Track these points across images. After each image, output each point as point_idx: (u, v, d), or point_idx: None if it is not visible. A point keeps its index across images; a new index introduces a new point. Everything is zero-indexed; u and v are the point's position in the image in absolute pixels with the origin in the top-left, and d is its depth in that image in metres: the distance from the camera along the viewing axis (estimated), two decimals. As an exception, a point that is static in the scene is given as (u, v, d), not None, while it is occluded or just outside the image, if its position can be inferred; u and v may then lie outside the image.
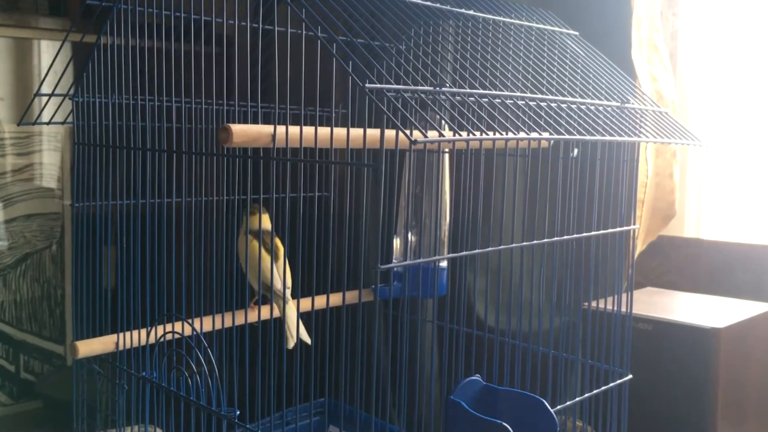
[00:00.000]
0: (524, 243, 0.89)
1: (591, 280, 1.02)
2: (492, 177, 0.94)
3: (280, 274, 1.03)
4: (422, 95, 0.72)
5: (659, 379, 1.33)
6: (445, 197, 1.18)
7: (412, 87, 0.71)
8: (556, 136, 0.81)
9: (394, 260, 1.26)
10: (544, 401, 0.80)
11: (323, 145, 0.78)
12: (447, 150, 1.15)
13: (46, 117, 1.14)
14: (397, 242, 1.26)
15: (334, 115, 0.77)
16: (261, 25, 0.84)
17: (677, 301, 1.53)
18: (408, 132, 0.65)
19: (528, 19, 1.09)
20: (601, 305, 1.06)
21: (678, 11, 2.01)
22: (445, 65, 1.02)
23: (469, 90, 0.78)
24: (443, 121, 0.72)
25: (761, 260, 1.73)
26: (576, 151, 1.02)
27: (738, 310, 1.40)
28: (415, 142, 0.64)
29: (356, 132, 0.77)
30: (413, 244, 1.23)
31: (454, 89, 0.75)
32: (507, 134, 0.76)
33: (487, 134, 0.72)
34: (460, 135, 0.71)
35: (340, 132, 0.77)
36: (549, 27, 1.10)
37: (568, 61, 1.03)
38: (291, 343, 1.04)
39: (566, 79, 0.98)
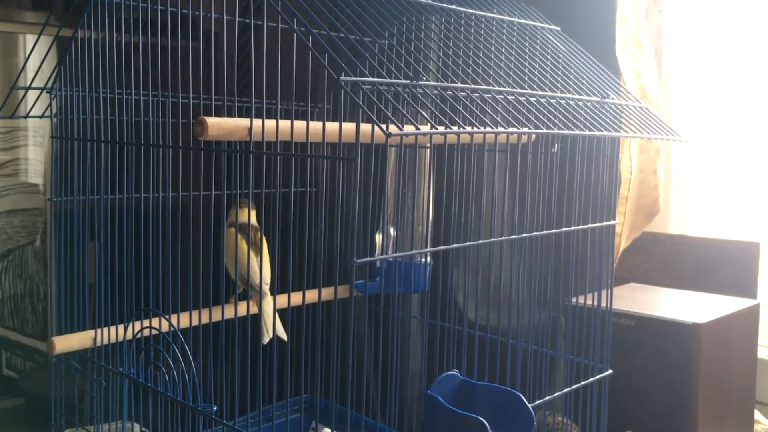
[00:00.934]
0: (503, 237, 0.88)
1: (571, 276, 1.02)
2: (472, 172, 0.94)
3: (266, 271, 1.03)
4: (398, 88, 0.72)
5: (641, 374, 1.33)
6: (424, 193, 1.18)
7: (388, 80, 0.71)
8: (535, 131, 0.81)
9: (374, 256, 1.26)
10: (521, 396, 0.80)
11: (300, 139, 0.77)
12: (428, 145, 1.15)
13: (26, 111, 1.13)
14: (378, 238, 1.26)
15: (310, 108, 0.76)
16: (237, 18, 0.83)
17: (660, 296, 1.54)
18: (384, 126, 0.65)
19: (510, 14, 1.09)
20: (583, 301, 1.06)
21: (663, 8, 2.02)
22: (427, 61, 1.02)
23: (446, 84, 0.78)
24: (419, 115, 0.72)
25: (745, 256, 1.74)
26: (556, 146, 1.02)
27: (720, 306, 1.41)
28: (390, 135, 0.64)
29: (334, 126, 0.77)
30: (393, 239, 1.22)
31: (432, 83, 0.75)
32: (485, 129, 0.75)
33: (464, 128, 0.72)
34: (437, 129, 0.71)
35: (317, 126, 0.77)
36: (531, 22, 1.10)
37: (549, 57, 1.03)
38: (266, 339, 1.03)
39: (547, 75, 0.98)
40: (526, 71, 0.95)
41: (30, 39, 1.60)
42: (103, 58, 0.98)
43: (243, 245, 1.07)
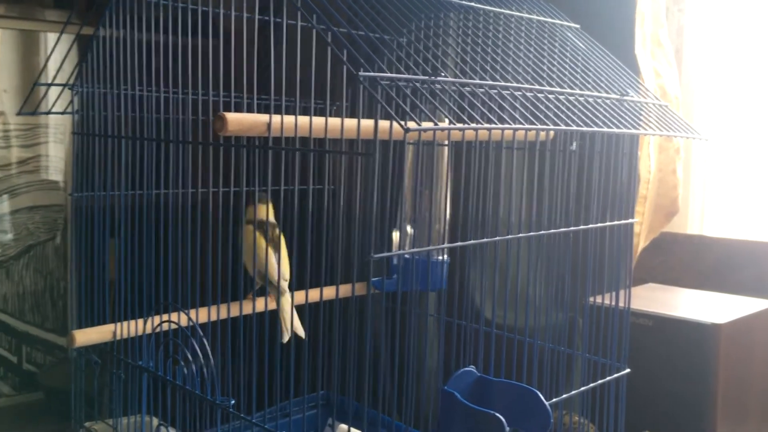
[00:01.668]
0: (521, 234, 0.88)
1: (589, 275, 1.02)
2: (490, 170, 0.94)
3: (283, 271, 1.04)
4: (417, 84, 0.72)
5: (660, 374, 1.32)
6: (442, 191, 1.18)
7: (407, 76, 0.71)
8: (553, 128, 0.81)
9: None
10: (538, 393, 0.80)
11: (318, 135, 0.78)
12: (445, 143, 1.15)
13: (47, 107, 1.14)
14: (395, 236, 1.26)
15: (329, 105, 0.77)
16: (257, 16, 0.84)
17: (679, 297, 1.53)
18: (402, 121, 0.65)
19: (529, 12, 1.09)
20: (600, 300, 1.06)
21: (684, 7, 2.00)
22: (445, 58, 1.02)
23: (465, 80, 0.78)
24: (437, 111, 0.72)
25: (765, 257, 1.73)
26: (575, 144, 1.02)
27: (740, 306, 1.40)
28: (408, 130, 0.64)
29: (353, 122, 0.77)
30: (410, 237, 1.22)
31: (450, 79, 0.75)
32: (504, 125, 0.75)
33: (482, 124, 0.72)
34: (455, 125, 0.71)
35: (336, 122, 0.77)
36: (550, 20, 1.10)
37: (568, 54, 1.03)
38: (285, 337, 1.03)
39: (566, 72, 0.98)
40: (545, 68, 0.95)
41: (51, 38, 1.62)
42: (124, 56, 0.99)
43: (261, 242, 1.07)
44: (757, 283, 1.70)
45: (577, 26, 1.12)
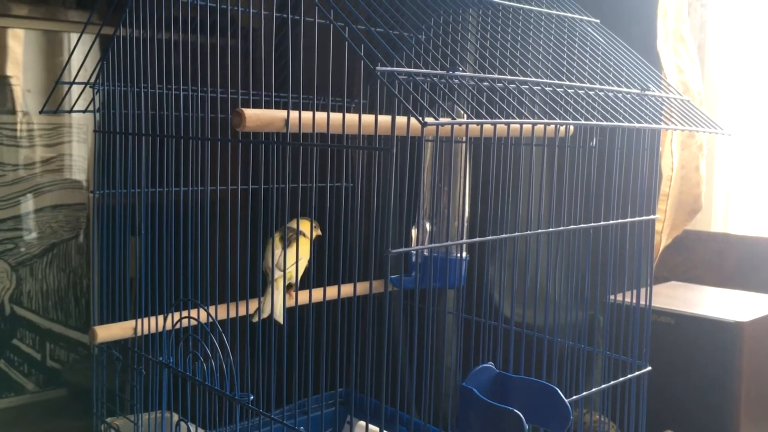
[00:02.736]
0: (540, 230, 0.88)
1: (609, 272, 1.01)
2: (509, 166, 0.93)
3: (288, 258, 1.04)
4: (435, 79, 0.72)
5: (682, 373, 1.31)
6: (460, 187, 1.18)
7: (425, 71, 0.71)
8: (572, 122, 0.80)
9: (412, 252, 1.26)
10: (558, 390, 0.79)
11: (336, 130, 0.78)
12: (464, 139, 1.15)
13: (69, 106, 1.15)
14: (414, 233, 1.26)
15: (346, 103, 0.77)
16: (275, 14, 0.84)
17: (701, 295, 1.51)
18: (420, 116, 0.65)
19: (548, 7, 1.08)
20: (621, 297, 1.05)
21: (706, 2, 1.98)
22: (464, 53, 1.02)
23: (483, 75, 0.77)
24: (455, 106, 0.72)
25: (790, 255, 1.70)
26: (595, 140, 1.01)
27: (763, 305, 1.38)
28: (426, 124, 0.64)
29: (371, 118, 0.77)
30: (429, 234, 1.22)
31: (468, 73, 0.74)
32: (522, 119, 0.75)
33: (500, 119, 0.72)
34: (472, 119, 0.71)
35: (353, 117, 0.77)
36: (569, 14, 1.09)
37: (588, 49, 1.02)
38: (255, 318, 1.03)
39: (586, 66, 0.97)
40: (565, 63, 0.94)
41: (74, 38, 1.64)
42: (144, 54, 1.00)
43: (277, 242, 1.08)
44: (782, 281, 1.68)
45: (597, 21, 1.11)
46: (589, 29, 1.08)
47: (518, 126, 1.01)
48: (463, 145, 1.16)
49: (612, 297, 1.04)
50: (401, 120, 0.70)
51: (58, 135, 1.67)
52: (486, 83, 0.77)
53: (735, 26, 1.97)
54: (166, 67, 0.98)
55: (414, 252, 1.26)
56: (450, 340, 1.30)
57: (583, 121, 0.80)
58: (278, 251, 1.06)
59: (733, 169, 1.99)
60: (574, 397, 0.91)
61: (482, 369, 0.82)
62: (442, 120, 0.65)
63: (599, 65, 0.99)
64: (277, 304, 1.04)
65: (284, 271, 1.06)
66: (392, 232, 0.70)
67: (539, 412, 0.80)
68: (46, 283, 1.67)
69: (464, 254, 1.22)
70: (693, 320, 1.30)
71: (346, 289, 1.15)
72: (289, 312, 1.07)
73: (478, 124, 0.69)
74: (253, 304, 0.97)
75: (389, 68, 0.68)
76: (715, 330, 1.27)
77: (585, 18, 1.11)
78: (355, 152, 1.12)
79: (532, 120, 0.74)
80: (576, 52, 0.99)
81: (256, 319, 1.01)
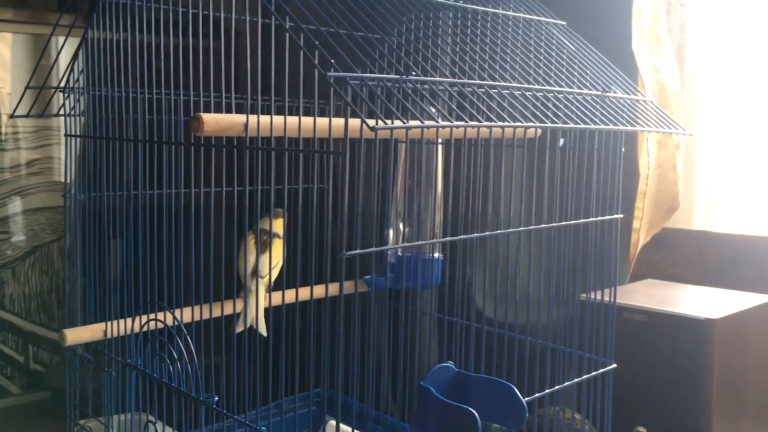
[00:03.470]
0: (499, 231, 0.89)
1: (578, 271, 1.02)
2: (479, 167, 0.94)
3: (263, 265, 1.05)
4: (387, 84, 0.73)
5: (654, 370, 1.32)
6: (434, 188, 1.19)
7: (377, 75, 0.72)
8: (527, 124, 0.81)
9: (388, 252, 1.27)
10: (514, 387, 0.80)
11: (293, 134, 0.79)
12: (441, 141, 1.16)
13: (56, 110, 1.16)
14: (391, 234, 1.27)
15: (302, 105, 0.78)
16: (233, 16, 0.85)
17: (677, 292, 1.52)
18: (374, 121, 0.66)
19: (516, 10, 1.09)
20: (590, 296, 1.06)
21: (686, 2, 1.99)
22: (435, 59, 1.03)
23: (437, 78, 0.78)
24: (424, 111, 0.73)
25: (768, 252, 1.71)
26: (562, 141, 1.02)
27: (736, 302, 1.39)
28: (374, 129, 0.65)
29: (326, 122, 0.78)
30: (404, 235, 1.23)
31: (421, 77, 0.75)
32: (472, 122, 0.76)
33: (452, 121, 0.73)
34: (440, 123, 0.72)
35: (309, 122, 0.78)
36: (536, 17, 1.10)
37: (554, 52, 1.03)
38: (239, 327, 1.04)
39: (552, 69, 0.98)
40: (532, 66, 0.96)
41: (59, 41, 1.64)
42: (110, 58, 1.01)
43: (251, 245, 1.09)
44: (761, 278, 1.69)
45: (564, 23, 1.12)
46: (554, 32, 1.09)
47: (487, 129, 1.02)
48: (438, 146, 1.18)
49: (584, 296, 1.05)
50: (355, 123, 0.71)
51: (40, 138, 1.68)
52: (441, 87, 0.78)
53: (715, 26, 1.98)
54: (131, 71, 0.99)
55: (388, 252, 1.27)
56: (423, 340, 1.31)
57: (536, 123, 0.81)
58: (252, 257, 1.06)
59: (714, 168, 2.00)
60: (538, 394, 0.92)
61: (441, 368, 0.83)
62: (390, 125, 0.66)
63: (564, 68, 1.00)
64: (259, 315, 1.05)
65: (269, 278, 1.07)
66: (347, 235, 0.71)
67: (497, 410, 0.81)
68: (29, 285, 1.67)
69: (439, 255, 1.23)
70: (665, 317, 1.31)
71: (318, 290, 1.16)
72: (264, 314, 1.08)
73: (425, 128, 0.70)
74: (224, 307, 0.98)
75: (340, 74, 0.69)
76: (687, 327, 1.28)
77: (551, 21, 1.12)
78: (323, 155, 1.13)
79: (482, 123, 0.76)
80: (543, 55, 1.00)
81: (240, 329, 1.03)
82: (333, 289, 1.13)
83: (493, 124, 0.79)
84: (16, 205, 1.64)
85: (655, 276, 1.78)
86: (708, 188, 2.01)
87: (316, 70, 0.71)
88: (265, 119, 0.79)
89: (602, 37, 1.18)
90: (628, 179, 1.62)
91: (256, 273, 1.06)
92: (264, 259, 1.06)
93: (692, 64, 2.01)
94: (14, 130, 1.63)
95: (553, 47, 1.04)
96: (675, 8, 2.02)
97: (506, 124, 0.80)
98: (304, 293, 1.15)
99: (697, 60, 2.00)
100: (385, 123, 0.66)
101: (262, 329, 1.06)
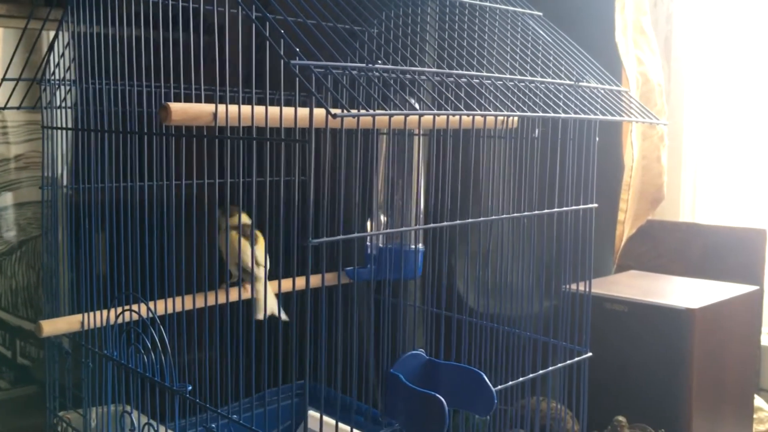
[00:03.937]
0: (470, 220, 0.89)
1: (553, 260, 1.02)
2: (459, 157, 0.94)
3: (257, 257, 1.06)
4: (353, 72, 0.73)
5: (634, 360, 1.33)
6: (414, 179, 1.19)
7: (342, 64, 0.72)
8: (494, 113, 0.81)
9: (367, 243, 1.28)
10: (483, 375, 0.81)
11: (260, 123, 0.79)
12: (420, 131, 1.16)
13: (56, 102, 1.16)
14: (371, 225, 1.28)
15: (268, 95, 0.78)
16: (203, 6, 0.86)
17: (659, 283, 1.53)
18: (339, 110, 0.66)
19: (492, 0, 1.09)
20: (568, 286, 1.06)
21: (673, -6, 2.00)
22: (414, 47, 1.03)
23: (405, 67, 0.79)
24: (406, 100, 0.73)
25: (754, 244, 1.72)
26: (537, 131, 1.02)
27: (717, 292, 1.39)
28: (335, 116, 0.65)
29: (300, 111, 0.78)
30: (384, 226, 1.24)
31: (388, 66, 0.76)
32: (435, 110, 0.76)
33: (417, 109, 0.73)
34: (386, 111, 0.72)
35: (276, 111, 0.78)
36: (512, 8, 1.10)
37: (529, 43, 1.03)
38: (259, 315, 1.06)
39: (528, 59, 0.99)
40: (509, 56, 0.96)
41: (49, 34, 1.64)
42: (83, 50, 1.01)
43: (245, 242, 1.10)
44: (745, 269, 1.69)
45: (540, 14, 1.12)
46: (530, 22, 1.09)
47: (465, 118, 1.02)
48: (420, 137, 1.18)
49: (565, 286, 1.05)
50: (320, 112, 0.71)
51: (26, 132, 1.68)
52: (408, 76, 0.78)
53: (701, 18, 1.99)
54: (103, 62, 0.99)
55: (370, 244, 1.27)
56: (406, 330, 1.31)
57: (506, 112, 0.81)
58: (247, 249, 1.08)
59: (701, 160, 2.00)
60: (510, 383, 0.92)
61: (411, 356, 0.83)
62: (352, 112, 0.66)
63: (540, 59, 1.00)
64: (271, 301, 1.06)
65: (264, 266, 1.09)
66: (312, 223, 0.72)
67: (466, 397, 0.81)
68: (15, 280, 1.67)
69: (420, 245, 1.23)
70: (645, 308, 1.32)
71: (301, 282, 1.16)
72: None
73: (389, 115, 0.70)
74: (208, 297, 0.98)
75: (305, 62, 0.69)
76: (667, 317, 1.29)
77: (527, 11, 1.12)
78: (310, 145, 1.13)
79: (451, 111, 0.76)
80: (518, 46, 1.01)
81: (260, 317, 1.04)
82: (315, 280, 1.13)
83: (462, 112, 0.79)
84: (2, 200, 1.64)
85: (641, 267, 1.78)
86: (695, 180, 2.01)
87: (281, 60, 0.72)
88: (233, 109, 0.80)
89: (586, 28, 1.18)
90: (613, 171, 1.62)
91: (257, 263, 1.09)
92: (258, 249, 1.07)
93: (679, 56, 2.01)
94: (2, 125, 1.63)
95: (529, 38, 1.05)
96: (662, 0, 2.02)
97: (476, 112, 0.81)
98: (286, 285, 1.16)
99: (684, 52, 2.00)
100: (349, 111, 0.66)
101: (283, 315, 1.08)
